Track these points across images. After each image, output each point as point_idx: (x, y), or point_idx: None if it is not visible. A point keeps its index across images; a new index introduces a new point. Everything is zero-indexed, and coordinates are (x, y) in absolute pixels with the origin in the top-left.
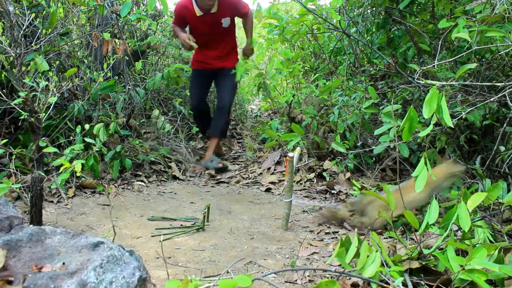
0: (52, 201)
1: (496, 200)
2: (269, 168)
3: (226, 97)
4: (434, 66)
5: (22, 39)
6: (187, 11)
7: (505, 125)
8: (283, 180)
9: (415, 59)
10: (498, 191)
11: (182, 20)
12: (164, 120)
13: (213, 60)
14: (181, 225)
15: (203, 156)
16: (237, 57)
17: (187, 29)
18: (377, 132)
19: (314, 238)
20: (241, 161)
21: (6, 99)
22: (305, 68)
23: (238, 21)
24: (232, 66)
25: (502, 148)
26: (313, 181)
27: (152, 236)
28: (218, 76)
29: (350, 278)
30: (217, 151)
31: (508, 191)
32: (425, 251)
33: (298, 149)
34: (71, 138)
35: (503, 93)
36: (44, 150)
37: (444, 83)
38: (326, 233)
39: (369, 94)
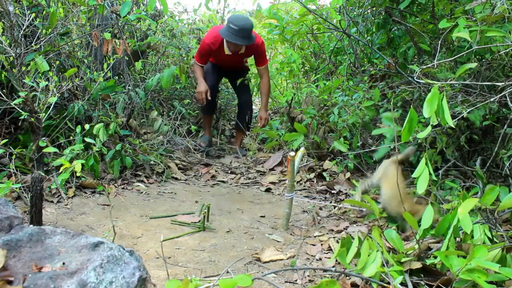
0: (52, 201)
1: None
2: (270, 169)
3: (245, 93)
4: (433, 66)
5: (22, 39)
6: (216, 49)
7: (505, 126)
8: (283, 180)
9: (415, 59)
10: (495, 194)
11: (208, 57)
12: (162, 121)
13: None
14: (182, 224)
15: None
16: (246, 65)
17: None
18: (374, 132)
19: (314, 237)
20: (242, 161)
21: (6, 99)
22: (305, 68)
23: None
24: (243, 68)
25: (503, 151)
26: (313, 181)
27: (152, 235)
28: (231, 76)
29: (350, 278)
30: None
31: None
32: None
33: (302, 149)
34: (71, 138)
35: (504, 94)
36: (44, 150)
37: (444, 83)
38: (326, 233)
39: (369, 93)
